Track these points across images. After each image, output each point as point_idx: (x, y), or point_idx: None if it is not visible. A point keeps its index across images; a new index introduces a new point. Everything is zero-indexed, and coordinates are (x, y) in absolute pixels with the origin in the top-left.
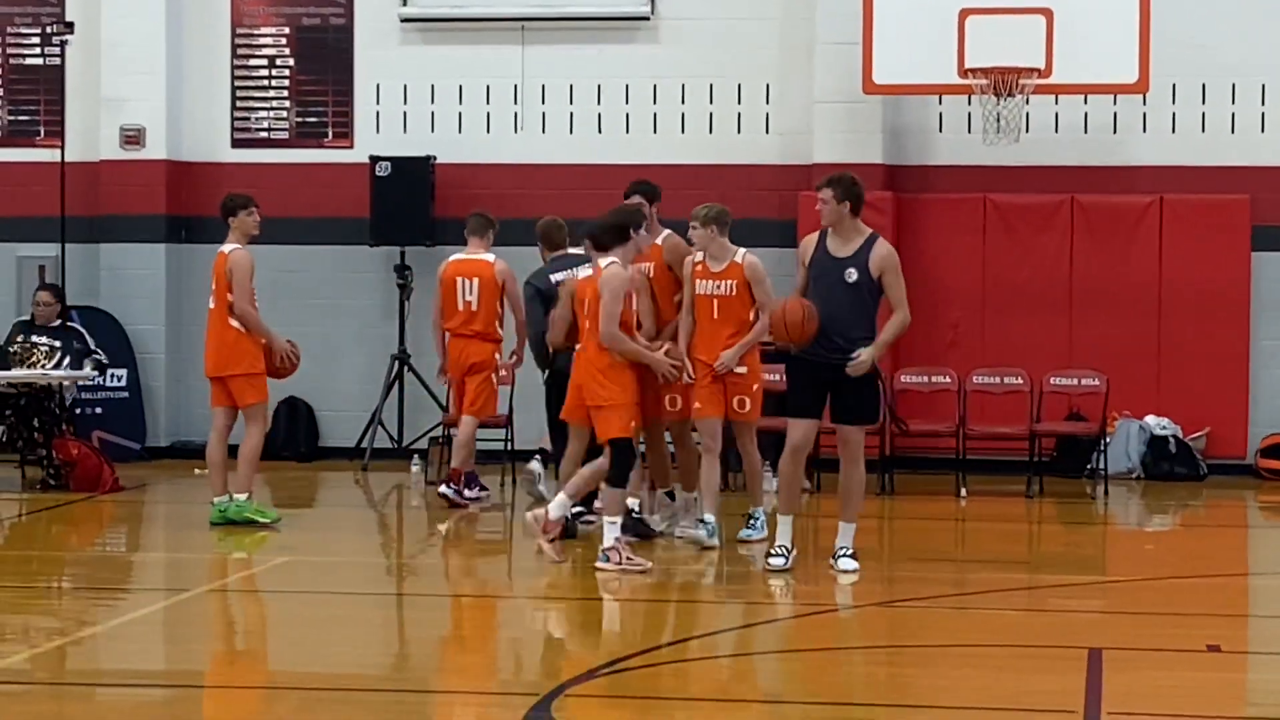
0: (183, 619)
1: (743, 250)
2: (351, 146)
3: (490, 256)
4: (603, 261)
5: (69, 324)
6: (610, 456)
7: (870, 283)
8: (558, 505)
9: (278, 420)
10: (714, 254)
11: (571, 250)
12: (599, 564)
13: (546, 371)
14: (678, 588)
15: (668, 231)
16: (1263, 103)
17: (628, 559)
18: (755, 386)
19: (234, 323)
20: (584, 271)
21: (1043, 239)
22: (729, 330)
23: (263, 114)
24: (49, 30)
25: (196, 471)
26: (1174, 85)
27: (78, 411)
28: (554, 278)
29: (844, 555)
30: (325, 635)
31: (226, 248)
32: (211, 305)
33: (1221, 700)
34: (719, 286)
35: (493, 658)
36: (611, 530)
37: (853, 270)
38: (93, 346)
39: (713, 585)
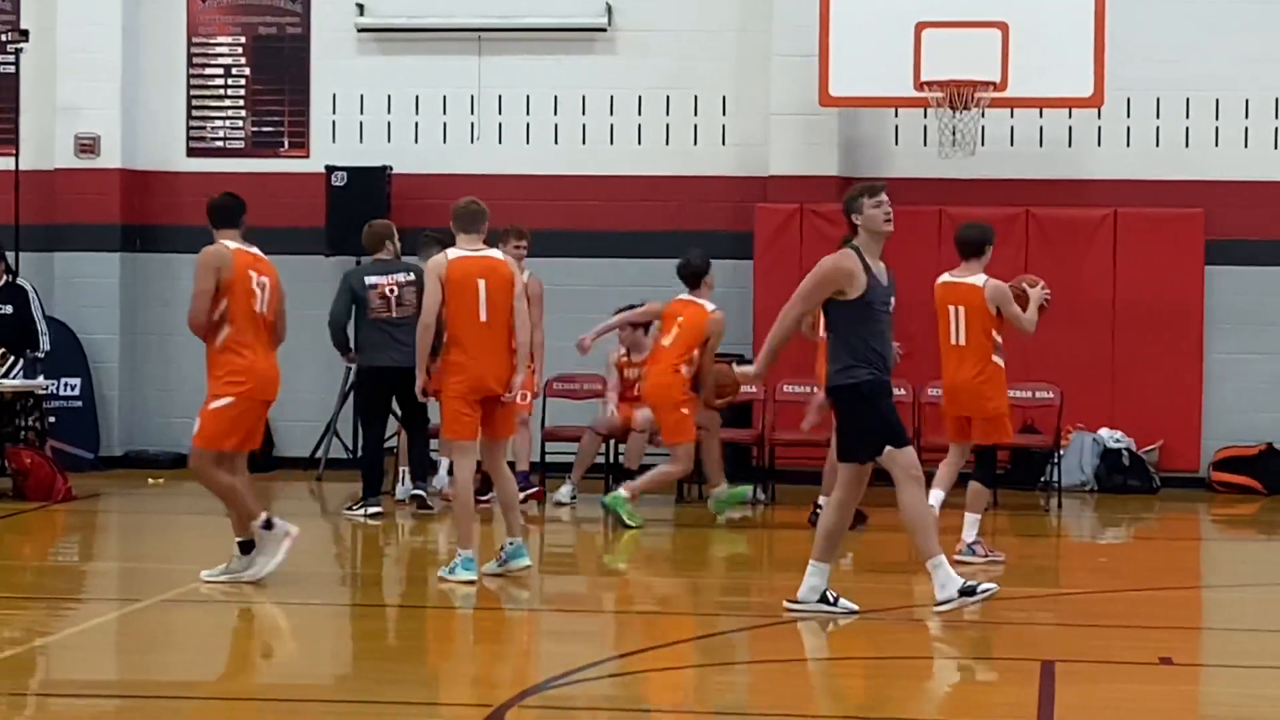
0: (135, 629)
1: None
2: (307, 156)
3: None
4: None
5: (16, 281)
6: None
7: None
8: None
9: None
10: None
11: (384, 256)
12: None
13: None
14: (634, 599)
15: None
16: (1217, 117)
17: (989, 552)
18: None
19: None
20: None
21: (997, 252)
22: None
23: (218, 123)
24: (3, 38)
25: (150, 481)
26: (1129, 99)
27: (31, 420)
28: (368, 280)
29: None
30: (278, 645)
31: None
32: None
33: (1173, 713)
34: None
35: (446, 669)
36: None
37: (892, 299)
38: (41, 310)
39: (669, 596)
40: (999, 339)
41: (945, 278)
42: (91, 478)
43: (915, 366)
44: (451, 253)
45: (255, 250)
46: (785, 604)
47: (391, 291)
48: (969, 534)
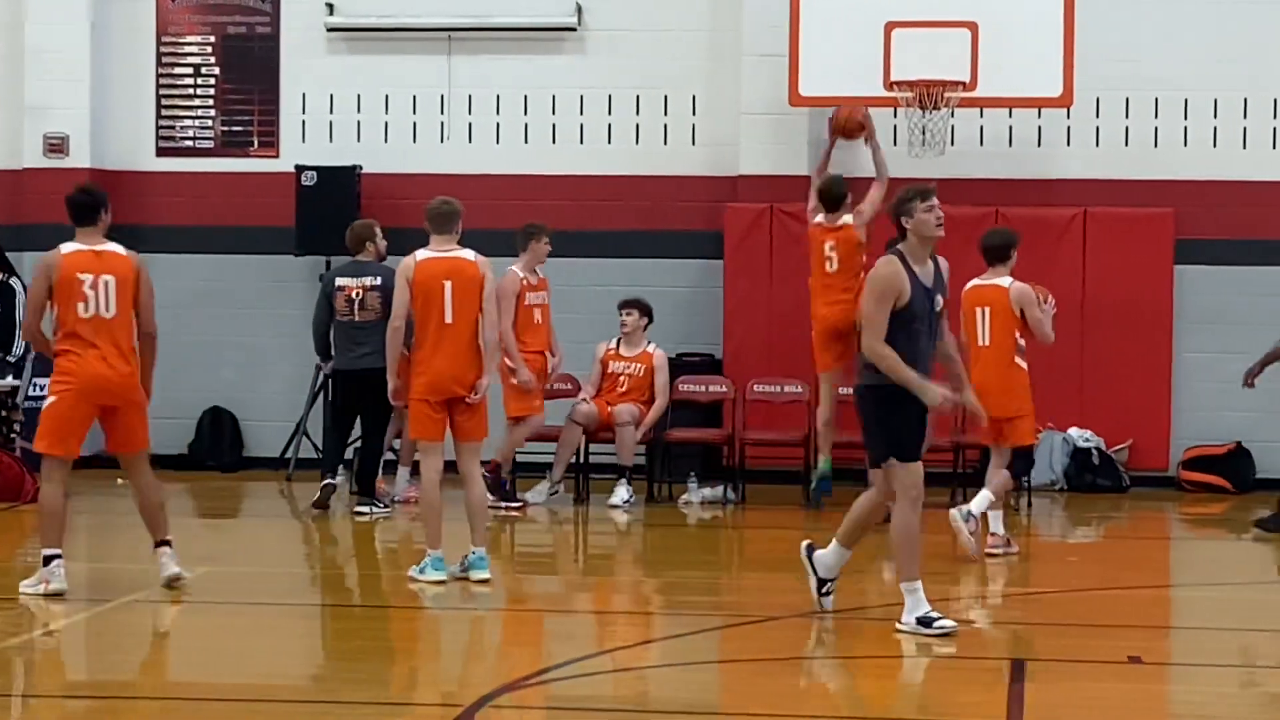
0: (105, 629)
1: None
2: (277, 155)
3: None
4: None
5: (9, 281)
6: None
7: None
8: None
9: (201, 429)
10: None
11: (363, 257)
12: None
13: (329, 366)
14: (604, 599)
15: None
16: (1186, 117)
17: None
18: None
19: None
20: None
21: (968, 251)
22: None
23: (188, 123)
24: None
25: (119, 482)
26: (1098, 99)
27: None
28: (338, 281)
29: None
30: (247, 646)
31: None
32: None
33: (1142, 712)
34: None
35: (417, 668)
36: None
37: (940, 296)
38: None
39: (640, 596)
40: (1022, 342)
41: (974, 282)
42: None
43: None
44: (420, 254)
45: (105, 247)
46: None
47: (356, 295)
48: (977, 506)
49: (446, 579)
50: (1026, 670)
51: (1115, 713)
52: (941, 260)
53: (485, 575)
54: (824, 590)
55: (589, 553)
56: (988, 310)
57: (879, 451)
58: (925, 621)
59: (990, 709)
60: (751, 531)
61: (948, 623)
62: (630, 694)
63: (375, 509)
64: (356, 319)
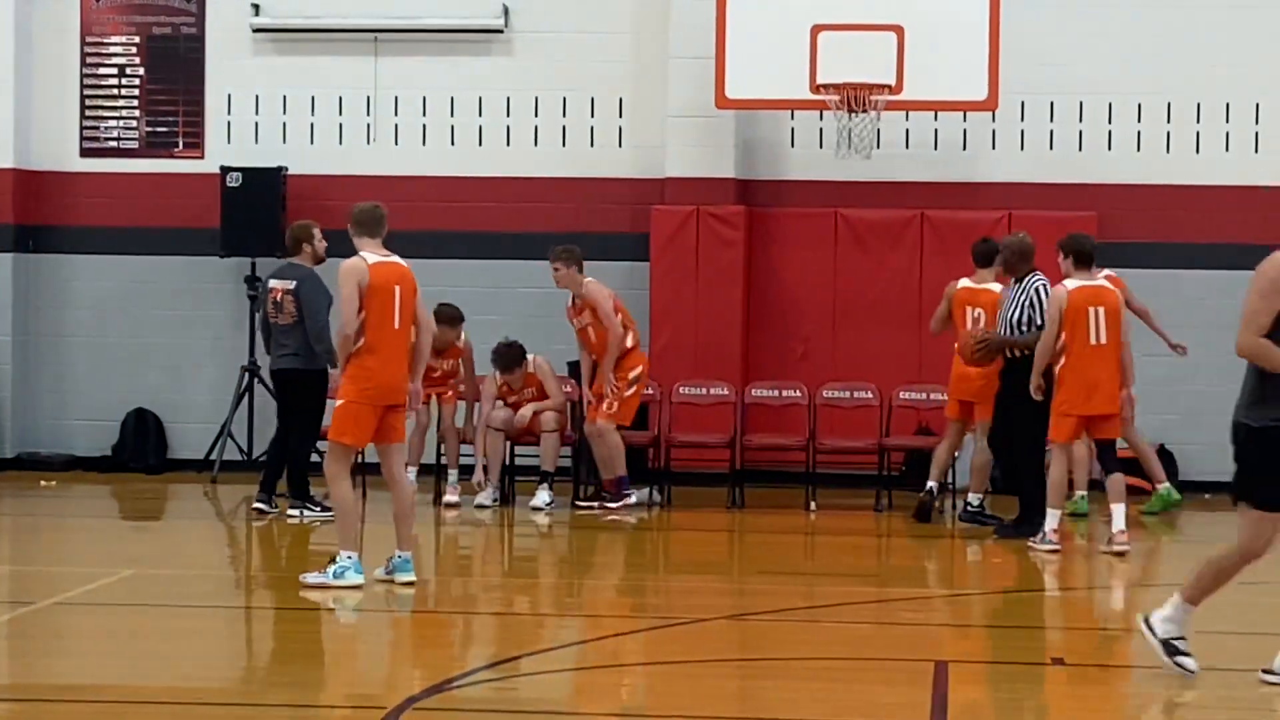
0: (27, 632)
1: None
2: (202, 157)
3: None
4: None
5: None
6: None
7: None
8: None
9: (125, 431)
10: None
11: (298, 260)
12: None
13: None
14: (530, 602)
15: None
16: (1110, 121)
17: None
18: None
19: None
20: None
21: (893, 254)
22: None
23: (112, 123)
24: None
25: (42, 483)
26: (1023, 103)
27: None
28: (269, 283)
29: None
30: (171, 648)
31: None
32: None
33: (1065, 714)
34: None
35: (341, 671)
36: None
37: None
38: None
39: (564, 599)
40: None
41: (1075, 284)
42: None
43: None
44: (370, 258)
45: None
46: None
47: (278, 297)
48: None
49: (363, 582)
50: (950, 671)
51: (1038, 714)
52: None
53: (410, 578)
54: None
55: (514, 555)
56: (1101, 310)
57: (1243, 492)
58: (1170, 649)
59: (914, 710)
60: (678, 534)
61: (1188, 662)
62: (556, 696)
63: (308, 511)
64: (278, 321)
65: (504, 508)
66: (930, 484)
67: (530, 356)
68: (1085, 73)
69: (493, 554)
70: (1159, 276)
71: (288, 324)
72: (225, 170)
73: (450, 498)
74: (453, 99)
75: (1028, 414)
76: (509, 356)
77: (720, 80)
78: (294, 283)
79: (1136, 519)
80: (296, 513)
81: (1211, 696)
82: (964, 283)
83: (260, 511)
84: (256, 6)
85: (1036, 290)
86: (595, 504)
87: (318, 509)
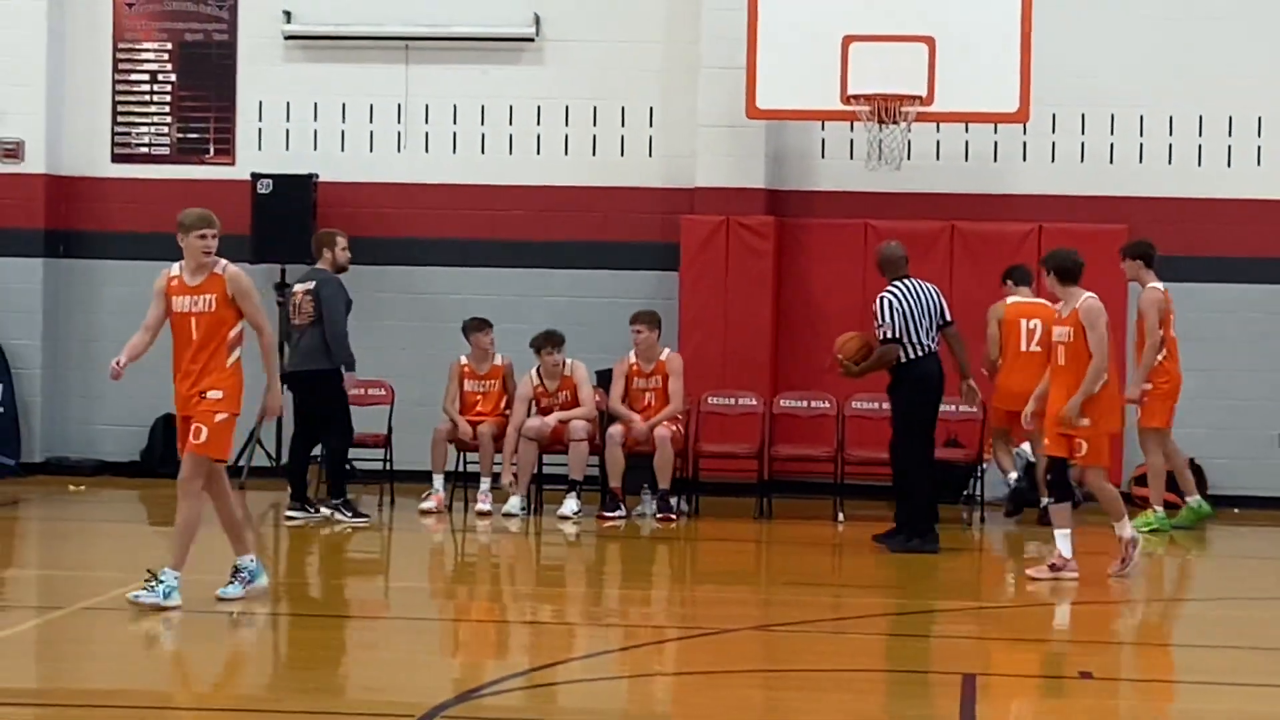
0: (55, 637)
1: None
2: (233, 163)
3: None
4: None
5: None
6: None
7: None
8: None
9: (154, 436)
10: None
11: (320, 265)
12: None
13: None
14: (555, 611)
15: None
16: (1141, 133)
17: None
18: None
19: None
20: None
21: (923, 265)
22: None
23: (144, 129)
24: None
25: (71, 488)
26: (1054, 115)
27: None
28: (294, 286)
29: None
30: (199, 654)
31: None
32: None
33: None
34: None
35: (368, 678)
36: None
37: None
38: None
39: (591, 608)
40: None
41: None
42: (12, 484)
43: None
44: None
45: None
46: None
47: (297, 299)
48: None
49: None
50: (978, 684)
51: None
52: None
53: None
54: None
55: (539, 565)
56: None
57: None
58: None
59: None
60: (705, 544)
61: None
62: (584, 706)
63: (342, 515)
64: (296, 322)
65: (532, 516)
66: (1012, 473)
67: (569, 360)
68: (1117, 85)
69: (522, 562)
70: (1189, 289)
71: (303, 324)
72: (256, 177)
73: (482, 505)
74: (483, 107)
75: (914, 423)
76: (554, 336)
77: (751, 90)
78: (313, 283)
79: (1151, 533)
80: (329, 511)
81: (1235, 711)
82: (1012, 300)
83: (293, 518)
84: (288, 14)
85: (880, 299)
86: (615, 513)
87: (350, 514)
